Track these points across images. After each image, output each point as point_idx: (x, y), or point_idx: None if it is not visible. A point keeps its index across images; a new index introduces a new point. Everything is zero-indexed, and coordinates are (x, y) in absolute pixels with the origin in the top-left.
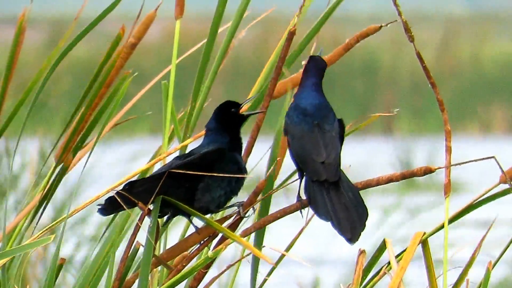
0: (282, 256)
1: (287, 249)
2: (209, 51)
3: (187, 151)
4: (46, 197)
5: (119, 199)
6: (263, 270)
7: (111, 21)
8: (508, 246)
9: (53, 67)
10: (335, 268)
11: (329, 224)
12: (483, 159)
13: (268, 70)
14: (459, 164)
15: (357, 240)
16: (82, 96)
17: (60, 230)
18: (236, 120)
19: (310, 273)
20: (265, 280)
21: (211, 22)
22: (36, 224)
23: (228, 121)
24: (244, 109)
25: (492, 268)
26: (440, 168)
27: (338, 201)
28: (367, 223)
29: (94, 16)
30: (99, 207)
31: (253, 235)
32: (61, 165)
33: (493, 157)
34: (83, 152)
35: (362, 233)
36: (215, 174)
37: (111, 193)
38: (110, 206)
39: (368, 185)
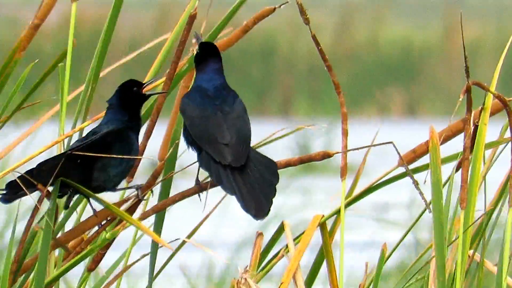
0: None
1: (189, 235)
2: (109, 34)
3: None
4: None
5: (21, 183)
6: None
7: (9, 4)
8: (409, 230)
9: None
10: (232, 250)
11: (228, 206)
12: (381, 144)
13: (163, 56)
14: (357, 149)
15: (264, 216)
16: None
17: None
18: (137, 99)
19: (206, 257)
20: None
21: (112, 6)
22: None
23: (129, 99)
24: (146, 89)
25: (392, 252)
26: (338, 152)
27: (242, 181)
28: (273, 200)
29: None
30: (0, 195)
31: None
32: None
33: (391, 142)
34: None
35: (269, 210)
36: (113, 156)
37: (11, 176)
38: (11, 192)
39: None
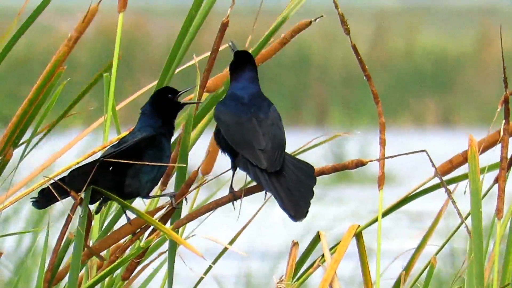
0: (225, 249)
1: (230, 242)
2: (177, 48)
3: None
4: None
5: (54, 191)
6: (197, 262)
7: (45, 12)
8: (447, 241)
9: None
10: (267, 260)
11: (260, 215)
12: (415, 152)
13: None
14: (391, 157)
15: (303, 217)
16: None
17: None
18: (172, 106)
19: (243, 266)
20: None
21: (185, 18)
22: None
23: (163, 105)
24: (185, 99)
25: (428, 262)
26: (371, 160)
27: (280, 184)
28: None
29: (26, 8)
30: (33, 200)
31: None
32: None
33: (424, 150)
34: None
35: (307, 211)
36: (146, 163)
37: (45, 185)
38: (43, 198)
39: None
